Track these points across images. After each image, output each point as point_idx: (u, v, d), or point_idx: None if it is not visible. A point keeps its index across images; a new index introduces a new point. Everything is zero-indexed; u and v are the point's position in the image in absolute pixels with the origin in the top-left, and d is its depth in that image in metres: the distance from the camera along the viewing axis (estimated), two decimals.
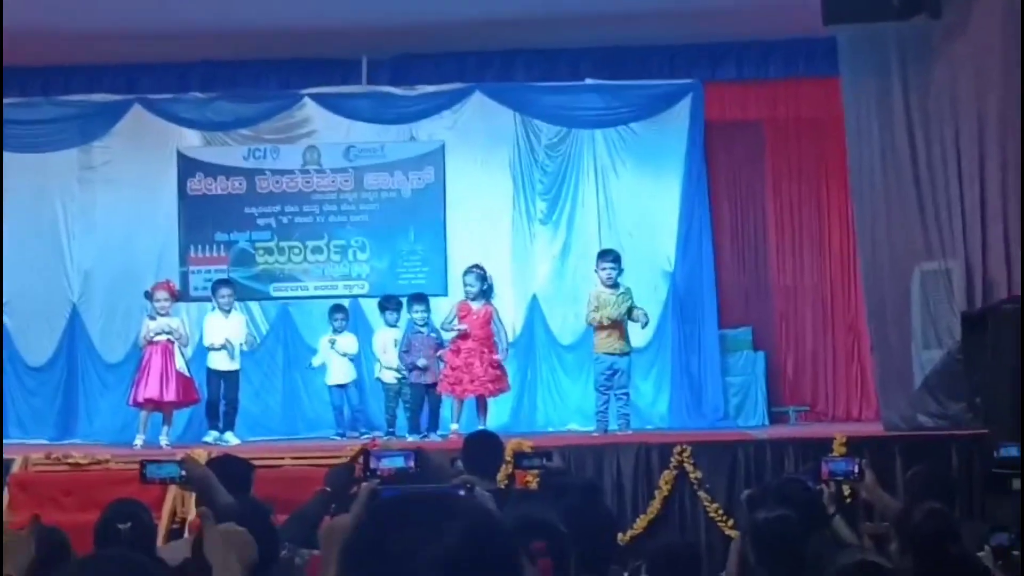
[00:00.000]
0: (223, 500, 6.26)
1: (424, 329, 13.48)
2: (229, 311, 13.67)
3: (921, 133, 12.35)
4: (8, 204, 14.67)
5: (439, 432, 13.28)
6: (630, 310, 13.08)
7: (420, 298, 13.70)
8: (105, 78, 15.10)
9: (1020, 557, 6.26)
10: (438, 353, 13.41)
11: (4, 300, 14.58)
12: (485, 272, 13.46)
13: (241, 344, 13.59)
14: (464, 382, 13.13)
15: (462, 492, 3.59)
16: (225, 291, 13.70)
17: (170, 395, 13.00)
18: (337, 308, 14.10)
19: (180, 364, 13.08)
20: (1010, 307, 10.44)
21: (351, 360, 13.94)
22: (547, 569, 3.87)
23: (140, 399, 13.06)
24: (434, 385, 13.33)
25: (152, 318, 13.14)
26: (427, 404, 13.42)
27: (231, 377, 13.53)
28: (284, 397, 14.86)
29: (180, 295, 13.60)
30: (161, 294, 13.17)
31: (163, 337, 13.03)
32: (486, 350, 13.19)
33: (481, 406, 13.25)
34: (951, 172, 12.20)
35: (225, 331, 13.53)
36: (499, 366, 13.32)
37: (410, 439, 12.96)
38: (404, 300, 13.87)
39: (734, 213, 15.43)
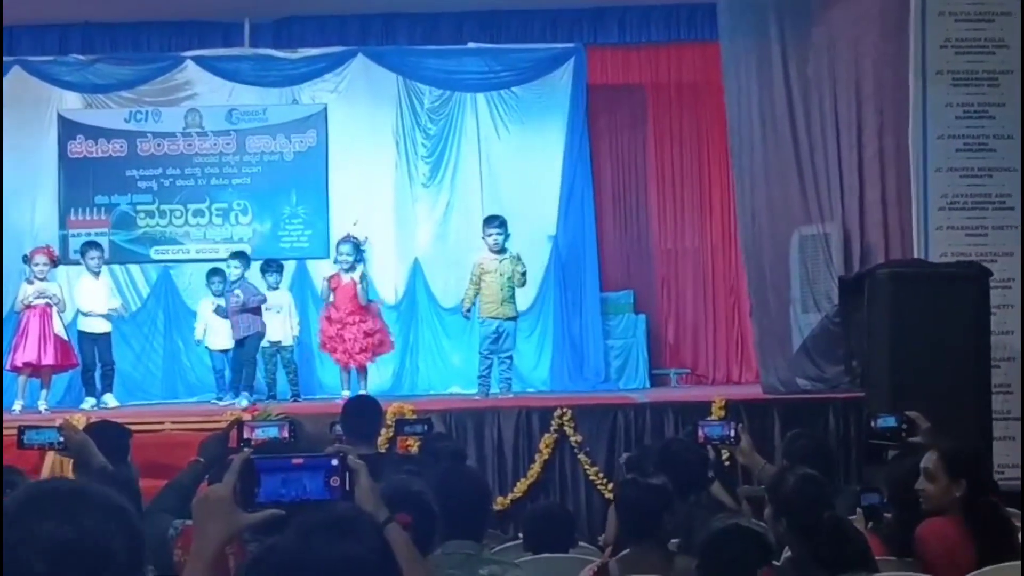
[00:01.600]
0: (99, 465, 6.25)
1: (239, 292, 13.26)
2: (99, 273, 13.49)
3: (800, 98, 12.45)
4: None
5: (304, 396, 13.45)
6: (523, 275, 13.09)
7: (241, 255, 13.55)
8: None
9: (891, 520, 6.37)
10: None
11: None
12: (359, 241, 13.42)
13: (114, 307, 13.44)
14: (338, 351, 13.16)
15: (334, 462, 3.59)
16: (94, 253, 13.48)
17: (48, 359, 12.85)
18: (214, 271, 13.96)
19: (58, 328, 12.93)
20: (885, 272, 10.58)
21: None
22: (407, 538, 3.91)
23: (18, 363, 12.90)
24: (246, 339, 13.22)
25: (30, 282, 12.97)
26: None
27: (103, 339, 13.36)
28: (164, 361, 14.79)
29: (59, 259, 13.42)
30: (40, 258, 13.01)
31: (41, 301, 12.87)
32: (361, 319, 13.19)
33: (361, 371, 13.26)
34: (829, 137, 12.32)
35: (95, 293, 13.38)
36: (374, 333, 13.31)
37: (290, 403, 12.96)
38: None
39: (616, 177, 15.51)
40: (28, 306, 12.88)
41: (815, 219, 12.35)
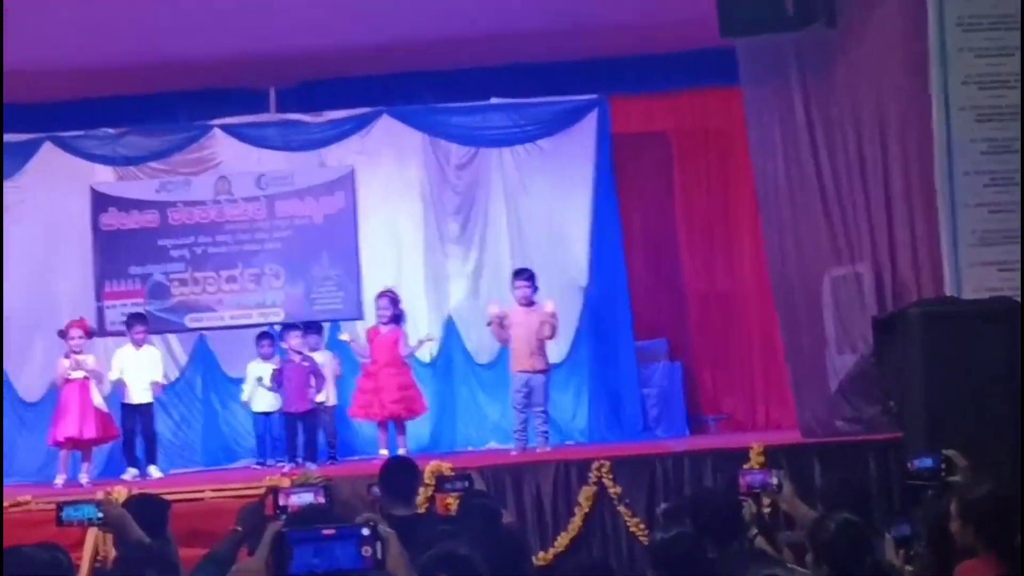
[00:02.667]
0: (137, 539, 6.29)
1: (297, 357, 13.46)
2: (142, 345, 13.60)
3: (823, 139, 12.45)
4: None
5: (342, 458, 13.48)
6: (553, 328, 13.12)
7: (294, 327, 13.73)
8: (15, 117, 14.99)
9: (928, 560, 6.34)
10: (310, 387, 13.45)
11: None
12: (397, 296, 13.51)
13: (157, 378, 13.54)
14: (375, 405, 13.20)
15: (365, 531, 3.63)
16: (139, 327, 13.63)
17: (89, 432, 12.95)
18: (264, 335, 14.11)
19: (97, 400, 13.04)
20: (917, 311, 10.55)
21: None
22: None
23: (59, 438, 13.01)
24: (307, 413, 13.32)
25: (67, 356, 13.08)
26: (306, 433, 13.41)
27: (146, 410, 13.46)
28: (204, 427, 14.87)
29: (94, 332, 13.52)
30: (75, 332, 13.11)
31: (79, 374, 12.97)
32: (397, 372, 13.25)
33: (399, 428, 13.30)
34: (855, 177, 12.28)
35: (137, 365, 13.47)
36: (410, 387, 13.37)
37: (330, 464, 13.01)
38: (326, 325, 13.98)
39: (645, 225, 15.54)
40: (67, 380, 12.98)
41: (845, 260, 12.33)
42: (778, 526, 8.77)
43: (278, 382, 13.46)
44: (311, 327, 13.97)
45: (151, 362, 13.58)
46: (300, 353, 13.41)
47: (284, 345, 13.71)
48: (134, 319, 13.77)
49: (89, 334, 13.30)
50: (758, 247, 14.76)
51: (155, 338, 14.26)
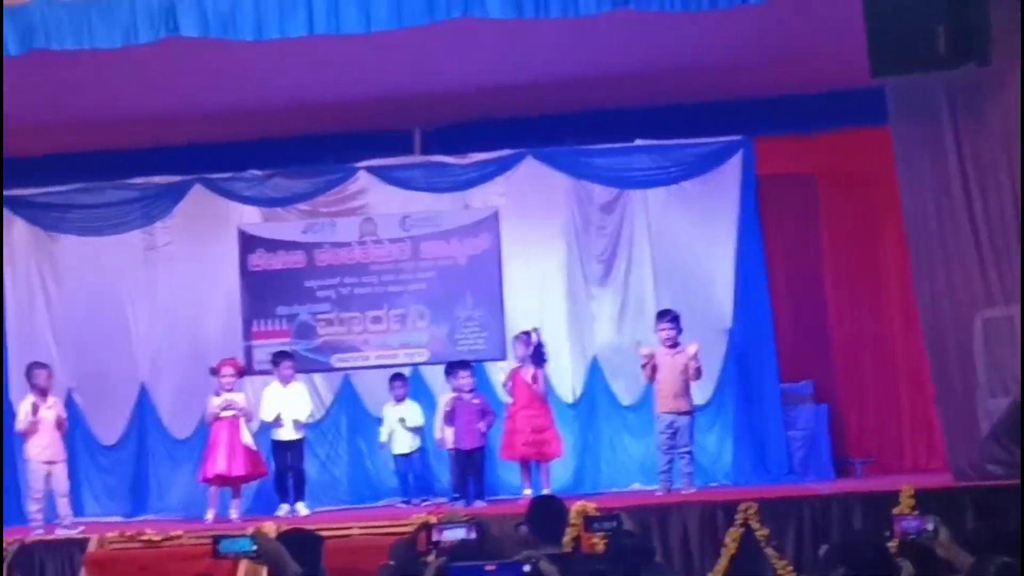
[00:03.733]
0: (293, 573, 6.35)
1: (467, 395, 13.52)
2: (289, 382, 13.75)
3: (975, 178, 12.26)
4: (75, 287, 15.17)
5: (487, 497, 13.43)
6: (697, 370, 13.09)
7: (464, 364, 13.75)
8: (166, 160, 15.34)
9: None
10: (481, 423, 13.51)
11: (74, 382, 14.80)
12: (530, 336, 13.55)
13: (304, 416, 13.69)
14: (518, 445, 13.24)
15: (527, 568, 3.62)
16: (288, 363, 13.85)
17: (238, 470, 13.14)
18: (396, 376, 14.22)
19: (246, 438, 13.24)
20: None
21: (414, 430, 14.04)
22: None
23: (209, 475, 13.20)
24: (477, 450, 13.36)
25: (217, 394, 13.28)
26: (473, 469, 13.46)
27: (296, 447, 13.65)
28: (350, 466, 14.98)
29: (245, 370, 13.73)
30: (226, 370, 13.35)
31: (229, 413, 13.17)
32: (535, 414, 13.27)
33: (541, 468, 13.32)
34: (1009, 217, 12.08)
35: (285, 402, 13.63)
36: (549, 428, 13.38)
37: (476, 504, 13.02)
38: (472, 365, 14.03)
39: (790, 266, 15.41)
40: (217, 418, 13.17)
41: (998, 301, 12.12)
42: (935, 573, 8.64)
43: (449, 420, 13.53)
44: (455, 367, 14.01)
45: (299, 399, 13.75)
46: (471, 391, 13.45)
47: (453, 383, 13.72)
48: (281, 356, 13.99)
49: (240, 373, 13.52)
50: (905, 288, 14.54)
51: (301, 376, 14.44)
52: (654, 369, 13.11)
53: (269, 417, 13.64)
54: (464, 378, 13.65)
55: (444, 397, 14.06)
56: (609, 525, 8.75)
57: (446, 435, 13.78)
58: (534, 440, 13.34)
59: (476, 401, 13.54)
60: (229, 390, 13.26)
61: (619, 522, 8.70)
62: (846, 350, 15.33)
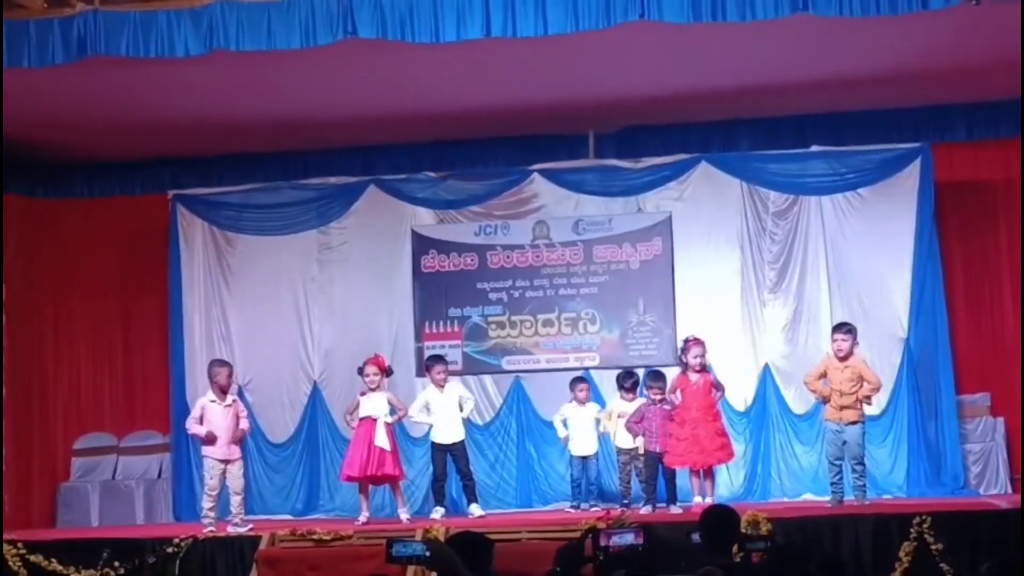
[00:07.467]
0: None
1: (658, 401, 13.42)
2: (444, 385, 13.75)
3: None
4: (250, 286, 15.41)
5: (678, 503, 13.23)
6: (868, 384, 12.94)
7: (658, 375, 13.66)
8: (342, 161, 15.55)
9: None
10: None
11: (243, 379, 15.01)
12: (686, 344, 13.49)
13: (465, 414, 13.71)
14: (693, 452, 13.13)
15: None
16: (439, 367, 13.78)
17: (372, 470, 12.99)
18: (579, 379, 14.18)
19: (380, 440, 12.98)
20: None
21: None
22: None
23: (348, 474, 13.23)
24: (665, 454, 13.31)
25: (363, 394, 13.23)
26: (663, 475, 13.38)
27: (457, 449, 13.62)
28: (519, 469, 15.00)
29: (390, 369, 13.54)
30: (371, 369, 13.19)
31: (371, 413, 13.09)
32: (709, 419, 13.18)
33: (708, 475, 13.24)
34: None
35: (443, 405, 13.63)
36: (723, 434, 13.29)
37: (643, 510, 12.93)
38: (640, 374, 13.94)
39: (968, 276, 15.13)
40: (361, 418, 13.13)
41: None
42: None
43: (638, 422, 13.46)
44: (627, 379, 13.88)
45: (456, 400, 13.69)
46: (662, 398, 13.39)
47: (645, 390, 13.55)
48: (433, 360, 13.96)
49: (385, 372, 13.33)
50: None
51: (471, 379, 14.50)
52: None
53: (424, 420, 13.68)
54: (657, 392, 13.43)
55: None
56: (763, 545, 8.66)
57: (637, 441, 13.59)
58: (719, 445, 13.24)
59: (667, 407, 13.35)
60: (374, 389, 13.16)
61: (773, 543, 8.60)
62: None
